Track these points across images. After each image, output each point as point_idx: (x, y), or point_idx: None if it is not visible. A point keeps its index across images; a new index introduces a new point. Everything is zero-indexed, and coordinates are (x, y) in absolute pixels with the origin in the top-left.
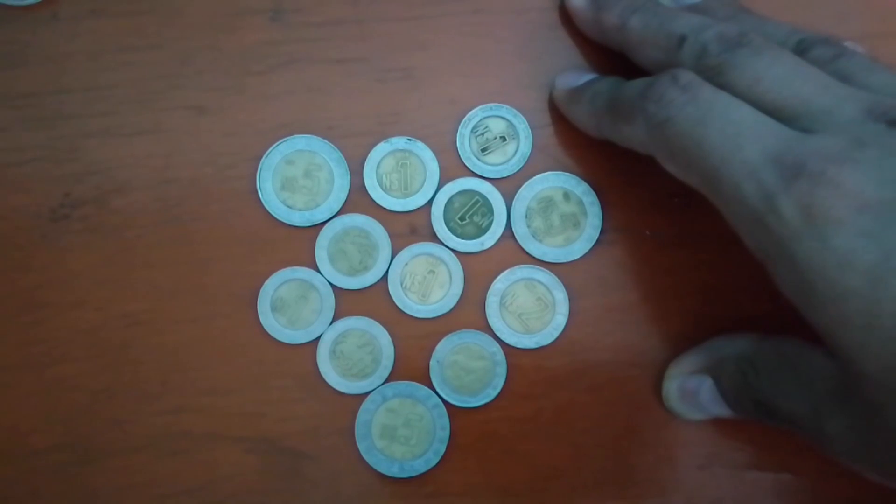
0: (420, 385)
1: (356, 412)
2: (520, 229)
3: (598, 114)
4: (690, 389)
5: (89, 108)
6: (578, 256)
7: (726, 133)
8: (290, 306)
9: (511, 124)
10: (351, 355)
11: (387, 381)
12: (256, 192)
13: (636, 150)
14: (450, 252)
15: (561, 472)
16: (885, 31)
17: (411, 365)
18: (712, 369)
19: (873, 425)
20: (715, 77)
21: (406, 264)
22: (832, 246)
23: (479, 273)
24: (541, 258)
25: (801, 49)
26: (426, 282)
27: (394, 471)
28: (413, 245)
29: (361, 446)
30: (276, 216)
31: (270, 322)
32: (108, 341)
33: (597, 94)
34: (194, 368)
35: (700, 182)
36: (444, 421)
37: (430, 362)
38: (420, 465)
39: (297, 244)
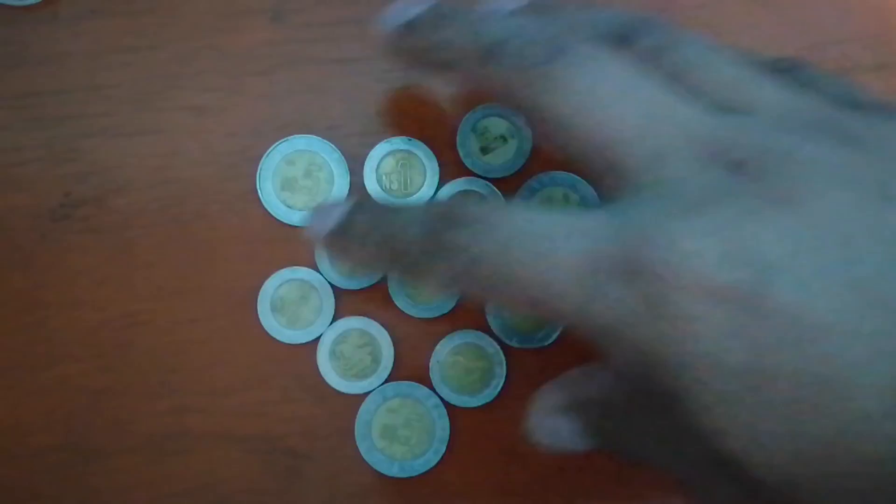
0: (420, 385)
1: (356, 412)
2: None
3: (379, 263)
4: (556, 428)
5: (89, 108)
6: None
7: (533, 260)
8: (290, 306)
9: (512, 124)
10: (351, 356)
11: (387, 381)
12: (256, 192)
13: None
14: None
15: (561, 472)
16: (885, 31)
17: (411, 365)
18: (577, 409)
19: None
20: (532, 110)
21: None
22: (693, 347)
23: None
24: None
25: (625, 39)
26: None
27: (394, 471)
28: None
29: (362, 447)
30: (276, 216)
31: (270, 322)
32: (109, 341)
33: (364, 237)
34: (194, 368)
35: (539, 315)
36: (445, 421)
37: (430, 362)
38: (420, 465)
39: (297, 244)
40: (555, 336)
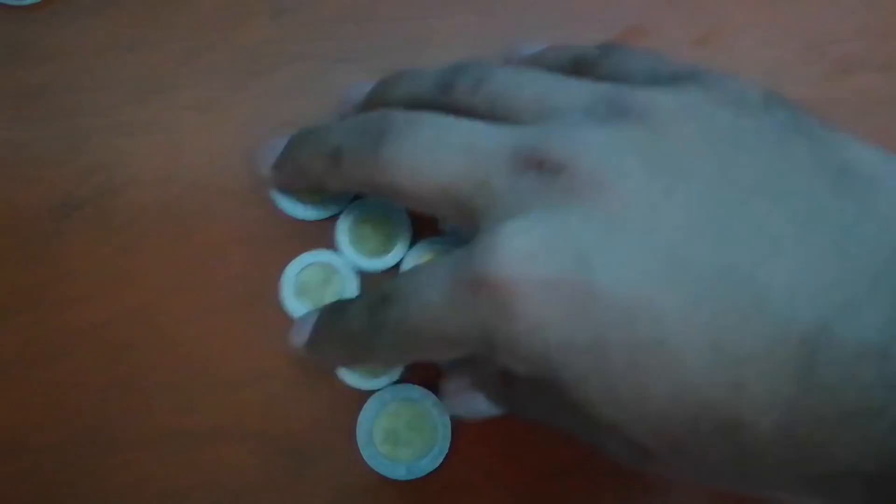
0: (415, 386)
1: (358, 412)
2: None
3: (343, 356)
4: (469, 401)
5: (90, 107)
6: None
7: (423, 310)
8: (313, 290)
9: None
10: None
11: (397, 381)
12: (256, 191)
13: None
14: None
15: (562, 472)
16: (885, 31)
17: (424, 366)
18: (480, 385)
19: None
20: (382, 190)
21: (421, 257)
22: (543, 339)
23: None
24: None
25: (447, 88)
26: None
27: (401, 474)
28: (433, 238)
29: (365, 453)
30: (283, 209)
31: (295, 307)
32: (109, 340)
33: (324, 342)
34: (195, 368)
35: (454, 354)
36: (446, 419)
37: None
38: (427, 465)
39: (298, 243)
40: None
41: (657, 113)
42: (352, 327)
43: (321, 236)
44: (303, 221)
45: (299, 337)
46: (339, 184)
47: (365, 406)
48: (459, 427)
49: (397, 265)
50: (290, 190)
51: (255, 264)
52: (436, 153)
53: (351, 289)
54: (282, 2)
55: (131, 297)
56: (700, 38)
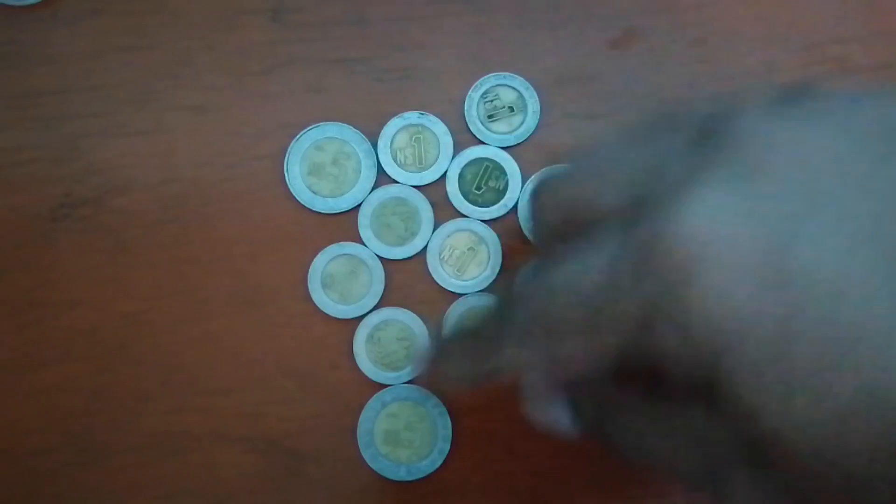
0: (417, 387)
1: (357, 412)
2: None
3: (474, 371)
4: (553, 418)
5: (89, 108)
6: None
7: (571, 288)
8: (340, 282)
9: (521, 96)
10: (388, 345)
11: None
12: (254, 192)
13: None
14: (493, 234)
15: (561, 472)
16: (885, 31)
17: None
18: (571, 402)
19: (788, 490)
20: None
21: (448, 237)
22: (725, 327)
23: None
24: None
25: None
26: (464, 258)
27: (401, 474)
28: (457, 220)
29: (366, 454)
30: (300, 200)
31: (322, 299)
32: (108, 341)
33: (451, 363)
34: (193, 368)
35: (592, 363)
36: (446, 420)
37: None
38: (426, 466)
39: (297, 246)
40: None
41: (841, 97)
42: (480, 332)
43: (320, 239)
44: (299, 221)
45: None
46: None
47: (365, 407)
48: (459, 429)
49: (423, 249)
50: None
51: (252, 266)
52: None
53: (378, 279)
54: (282, 2)
55: (128, 300)
56: (699, 38)
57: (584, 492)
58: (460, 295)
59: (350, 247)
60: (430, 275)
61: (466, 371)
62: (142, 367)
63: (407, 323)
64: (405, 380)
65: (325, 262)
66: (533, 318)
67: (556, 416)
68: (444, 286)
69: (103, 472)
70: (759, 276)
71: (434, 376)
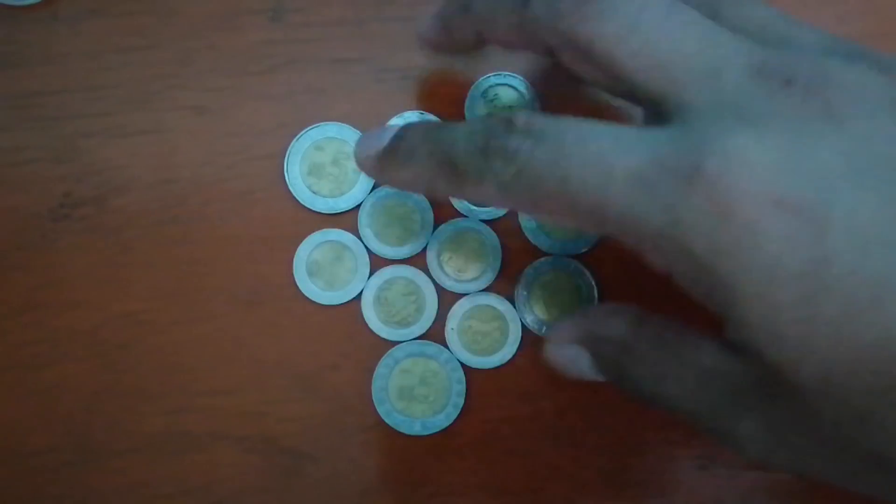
0: (430, 342)
1: (357, 412)
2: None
3: (426, 175)
4: (569, 358)
5: (89, 108)
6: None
7: (589, 165)
8: (325, 268)
9: (521, 96)
10: (395, 302)
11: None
12: (256, 192)
13: (492, 206)
14: (493, 234)
15: (561, 472)
16: (885, 31)
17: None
18: (589, 344)
19: (801, 429)
20: (574, 42)
21: (448, 237)
22: (751, 254)
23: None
24: (548, 251)
25: None
26: (465, 257)
27: (416, 429)
28: (457, 220)
29: (381, 410)
30: (300, 201)
31: (308, 287)
32: (108, 341)
33: (413, 151)
34: (193, 368)
35: (583, 222)
36: (460, 374)
37: (445, 329)
38: (441, 421)
39: (297, 245)
40: (590, 244)
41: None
42: (457, 146)
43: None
44: (299, 221)
45: (372, 146)
46: (509, 33)
47: (379, 363)
48: (473, 382)
49: (423, 251)
50: (450, 43)
51: (252, 266)
52: (665, 22)
53: (363, 265)
54: (282, 2)
55: (128, 300)
56: None
57: (583, 493)
58: (460, 295)
59: (334, 233)
60: (429, 275)
61: (417, 180)
62: (142, 367)
63: (411, 278)
64: (416, 335)
65: (309, 251)
66: (528, 165)
67: (573, 356)
68: (444, 287)
69: (103, 472)
70: (797, 224)
71: (384, 169)
